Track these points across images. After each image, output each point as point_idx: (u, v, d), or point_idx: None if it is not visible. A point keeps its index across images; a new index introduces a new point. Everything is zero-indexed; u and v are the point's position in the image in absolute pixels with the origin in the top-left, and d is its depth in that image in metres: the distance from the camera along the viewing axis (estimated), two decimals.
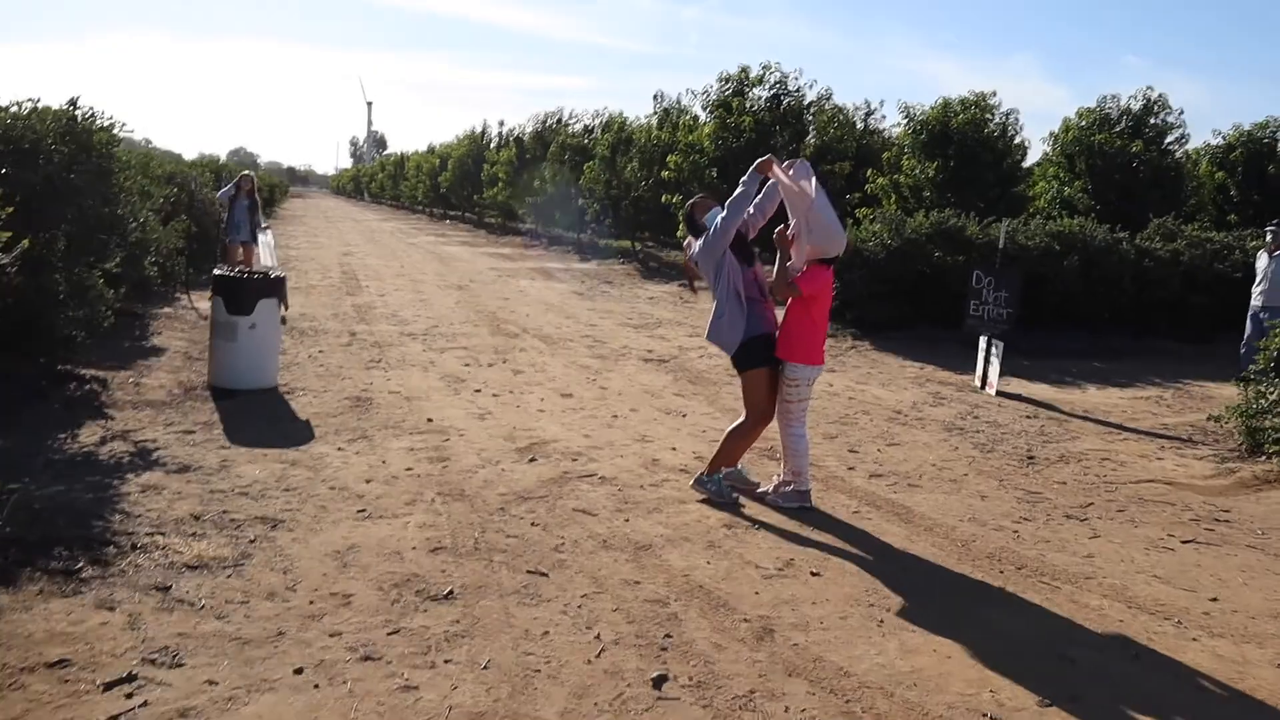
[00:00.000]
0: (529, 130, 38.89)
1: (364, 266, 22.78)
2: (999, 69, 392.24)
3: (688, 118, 22.19)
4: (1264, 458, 8.00)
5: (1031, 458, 8.12)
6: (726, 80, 21.79)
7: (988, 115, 21.52)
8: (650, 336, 14.02)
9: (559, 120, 37.21)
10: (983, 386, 11.10)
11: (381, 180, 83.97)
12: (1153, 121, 21.56)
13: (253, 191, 16.33)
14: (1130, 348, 14.98)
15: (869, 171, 22.49)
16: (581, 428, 8.34)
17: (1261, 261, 12.37)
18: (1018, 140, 22.09)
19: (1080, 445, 8.68)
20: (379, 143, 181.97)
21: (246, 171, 17.74)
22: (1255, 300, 12.19)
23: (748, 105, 21.33)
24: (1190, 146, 22.53)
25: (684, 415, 9.07)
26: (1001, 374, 10.88)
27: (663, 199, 22.54)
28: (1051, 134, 22.51)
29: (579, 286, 20.87)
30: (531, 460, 7.26)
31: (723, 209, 6.32)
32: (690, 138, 21.65)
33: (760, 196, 6.48)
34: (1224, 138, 24.55)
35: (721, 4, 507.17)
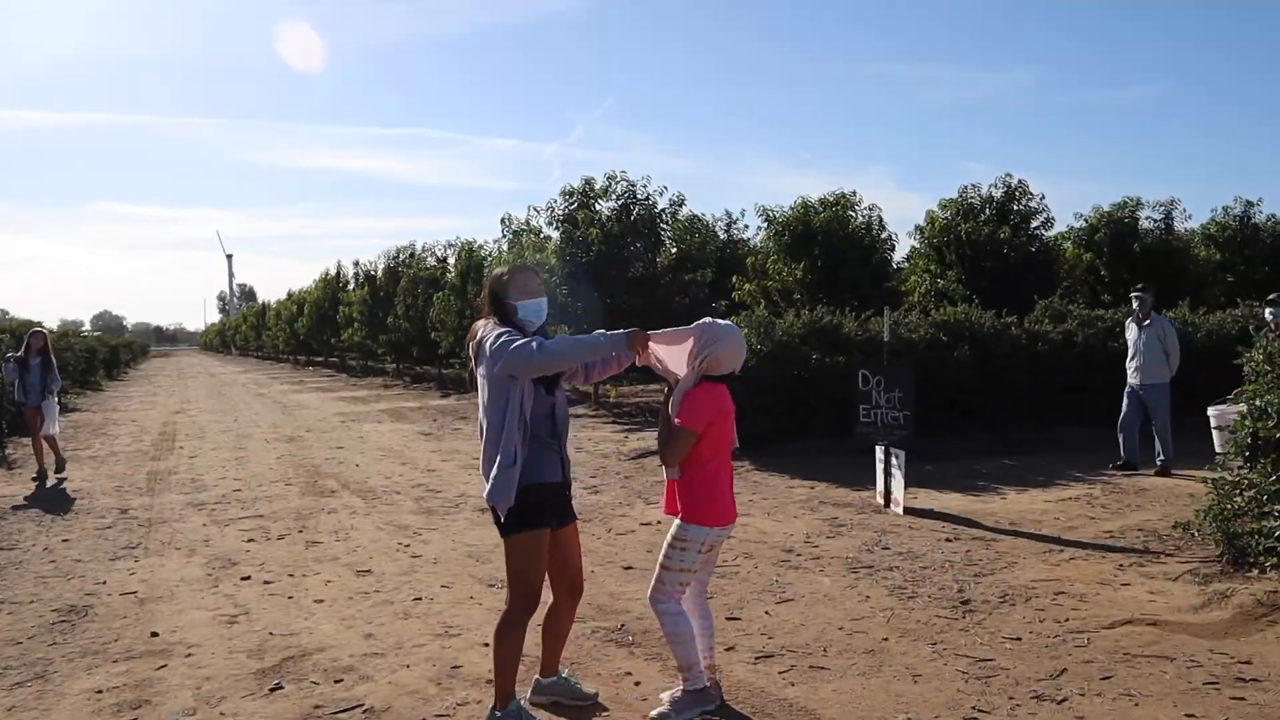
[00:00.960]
0: (381, 266, 36.91)
1: (191, 425, 20.21)
2: (856, 181, 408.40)
3: (535, 238, 20.49)
4: (1254, 571, 6.26)
5: (966, 601, 6.21)
6: (570, 194, 20.23)
7: (849, 213, 20.45)
8: None
9: (411, 254, 35.36)
10: (886, 504, 9.27)
11: (245, 332, 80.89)
12: (1015, 208, 20.82)
13: (45, 349, 13.87)
14: (1034, 439, 13.44)
15: (734, 279, 21.12)
16: (367, 622, 6.15)
17: (1131, 334, 11.46)
18: (884, 235, 21.03)
19: (1021, 574, 6.82)
20: (248, 295, 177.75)
21: (37, 328, 15.25)
22: (1132, 378, 11.27)
23: (595, 217, 19.74)
24: (1053, 231, 21.84)
25: None
26: (906, 486, 9.07)
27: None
28: (918, 227, 21.63)
29: (430, 426, 18.68)
30: (275, 689, 5.04)
31: (543, 312, 4.45)
32: (537, 257, 19.91)
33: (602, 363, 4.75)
34: (1085, 220, 24.02)
35: (580, 139, 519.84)
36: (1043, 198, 20.71)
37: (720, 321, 4.45)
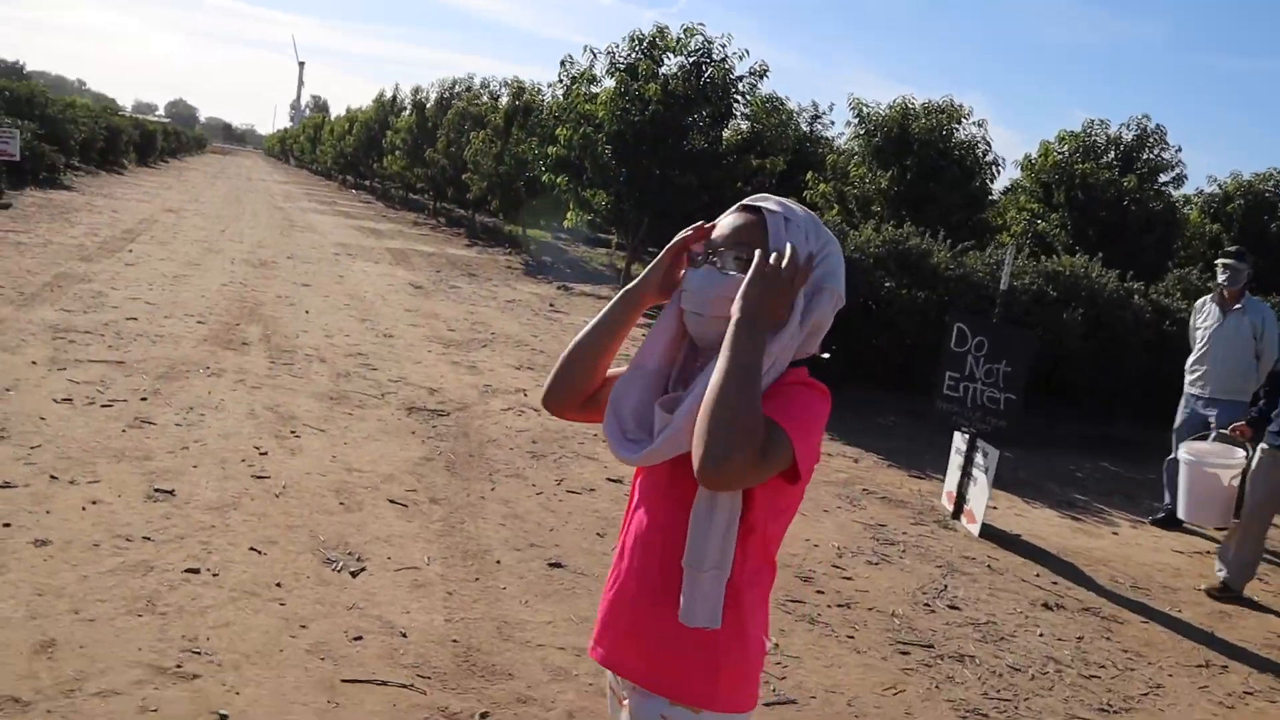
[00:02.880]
0: (433, 96, 33.85)
1: (168, 227, 17.77)
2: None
3: (588, 88, 17.43)
4: None
5: None
6: (638, 41, 17.04)
7: (954, 125, 17.23)
8: (456, 364, 9.30)
9: (468, 88, 32.25)
10: (956, 514, 6.57)
11: (302, 143, 78.36)
12: (1146, 156, 17.54)
13: None
14: (1145, 441, 10.58)
15: (809, 175, 18.08)
16: (61, 607, 3.61)
17: (1207, 318, 7.40)
18: (989, 158, 17.80)
19: (1176, 715, 4.14)
20: (321, 108, 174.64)
21: None
22: (1195, 386, 7.31)
23: (658, 72, 16.63)
24: (1180, 191, 18.54)
25: (366, 562, 4.41)
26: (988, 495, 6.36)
27: (544, 178, 17.80)
28: (1026, 157, 18.38)
29: (427, 277, 16.07)
30: None
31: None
32: (587, 108, 16.91)
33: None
34: (1220, 186, 20.47)
35: (681, 10, 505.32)
36: (1179, 150, 17.37)
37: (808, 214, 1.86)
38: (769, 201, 1.79)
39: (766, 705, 3.69)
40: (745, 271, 1.71)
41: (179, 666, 3.34)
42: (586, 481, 6.24)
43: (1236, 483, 6.05)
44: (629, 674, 1.83)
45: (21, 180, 20.10)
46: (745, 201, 1.82)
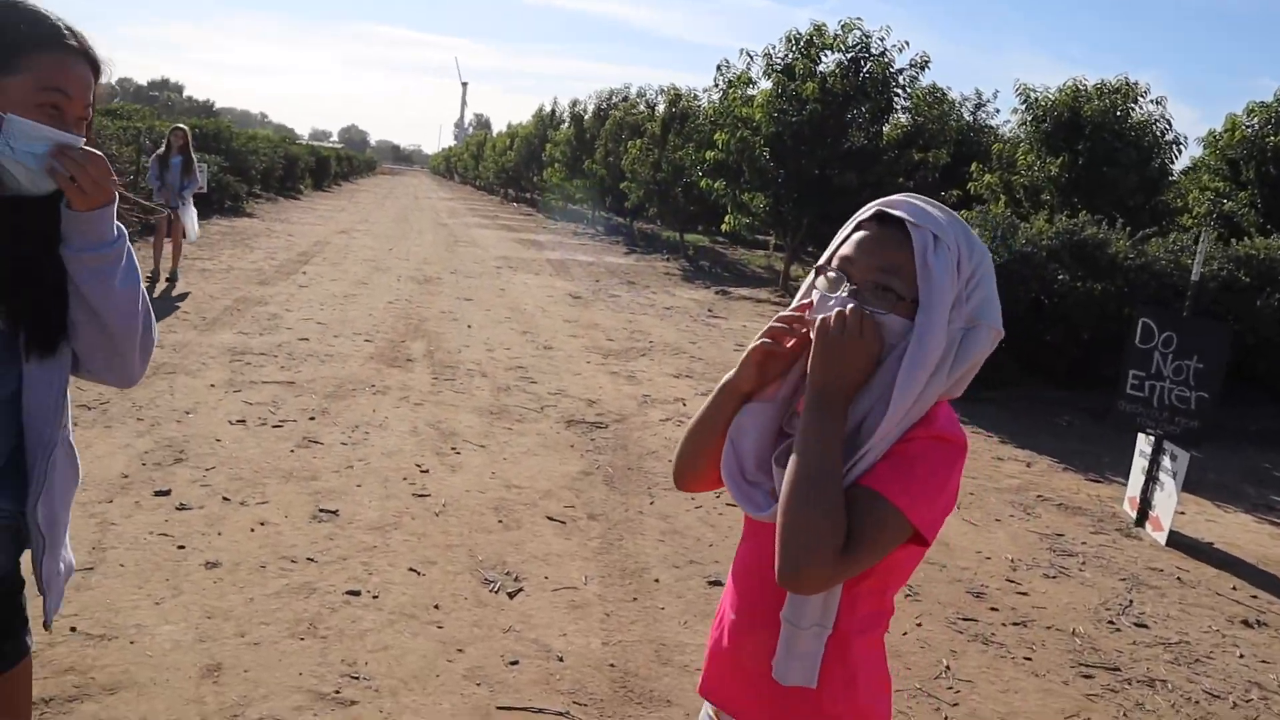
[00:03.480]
0: (590, 107, 34.27)
1: (340, 248, 18.48)
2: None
3: (745, 89, 17.27)
4: None
5: None
6: (794, 41, 16.75)
7: (1131, 105, 16.26)
8: (615, 374, 9.29)
9: (624, 98, 32.52)
10: (1140, 521, 6.14)
11: (465, 160, 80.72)
12: None
13: (185, 147, 12.33)
14: None
15: (973, 166, 17.44)
16: (208, 633, 3.69)
17: None
18: (1168, 137, 16.72)
19: None
20: (483, 126, 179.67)
21: (179, 125, 13.58)
22: None
23: (816, 71, 16.30)
24: None
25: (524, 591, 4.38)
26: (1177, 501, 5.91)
27: (702, 184, 17.70)
28: (1210, 133, 17.22)
29: (587, 287, 16.20)
30: None
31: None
32: (744, 111, 16.75)
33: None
34: None
35: (833, 8, 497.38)
36: None
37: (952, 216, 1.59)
38: (907, 210, 1.53)
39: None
40: (890, 309, 1.51)
41: (338, 692, 3.36)
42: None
43: None
44: (739, 716, 1.68)
45: (209, 210, 21.23)
46: (881, 208, 1.57)
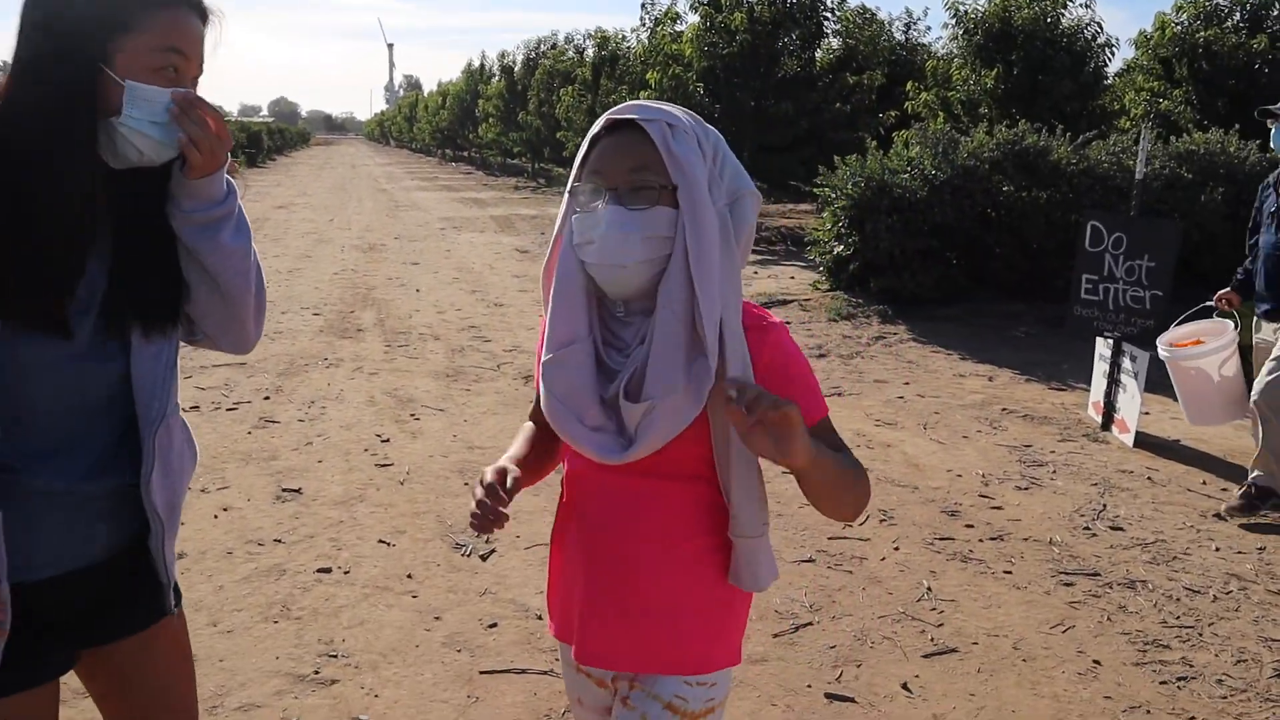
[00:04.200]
0: (520, 59, 33.76)
1: (281, 224, 18.12)
2: None
3: (672, 27, 17.07)
4: None
5: None
6: None
7: (1061, 10, 16.24)
8: None
9: (553, 45, 32.02)
10: (1106, 425, 6.18)
11: (399, 123, 79.48)
12: (1275, 12, 16.34)
13: None
14: None
15: (909, 85, 17.35)
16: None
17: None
18: (1099, 40, 16.74)
19: None
20: (414, 87, 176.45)
21: None
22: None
23: (743, 1, 16.09)
24: None
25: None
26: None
27: None
28: (1141, 33, 17.30)
29: (533, 241, 16.02)
30: None
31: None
32: (673, 48, 16.53)
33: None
34: None
35: None
36: None
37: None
38: (636, 111, 1.50)
39: (925, 657, 3.46)
40: (654, 203, 1.47)
41: (317, 672, 3.29)
42: None
43: (1234, 368, 5.14)
44: (628, 666, 1.65)
45: None
46: (611, 117, 1.52)
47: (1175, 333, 5.57)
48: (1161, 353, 5.45)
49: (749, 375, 1.48)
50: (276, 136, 58.93)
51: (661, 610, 1.61)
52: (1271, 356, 4.69)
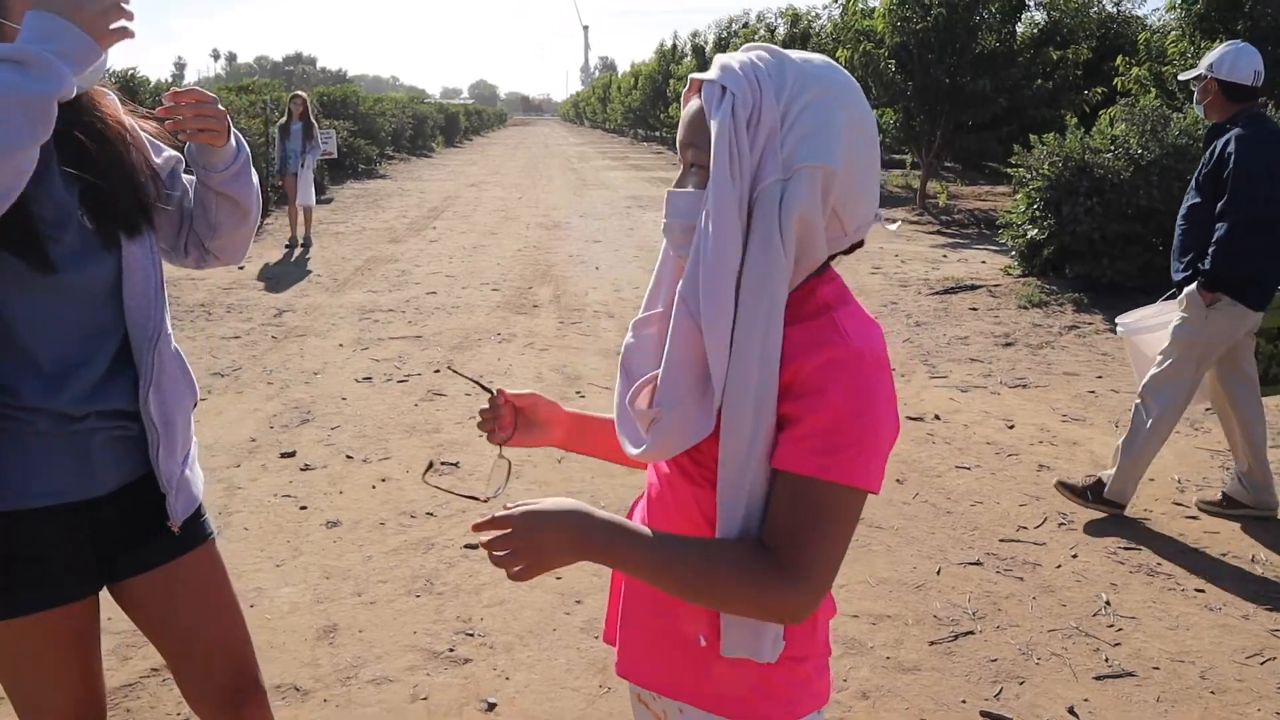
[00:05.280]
0: (711, 38, 33.60)
1: (471, 201, 18.61)
2: None
3: (865, 3, 16.57)
4: None
5: None
6: None
7: None
8: None
9: (744, 24, 31.72)
10: None
11: (592, 104, 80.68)
12: None
13: (305, 115, 12.54)
14: None
15: (1119, 60, 16.28)
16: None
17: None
18: None
19: None
20: (609, 68, 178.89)
21: (298, 93, 13.79)
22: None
23: None
24: None
25: None
26: None
27: None
28: None
29: None
30: None
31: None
32: (865, 24, 16.03)
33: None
34: None
35: None
36: None
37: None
38: (715, 66, 1.23)
39: (1098, 679, 3.15)
40: (694, 185, 1.26)
41: (451, 650, 3.26)
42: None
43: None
44: (668, 691, 1.41)
45: (341, 175, 21.66)
46: (691, 77, 1.28)
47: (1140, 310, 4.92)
48: (1119, 327, 4.86)
49: (766, 399, 1.19)
50: (474, 118, 60.79)
51: (689, 638, 1.36)
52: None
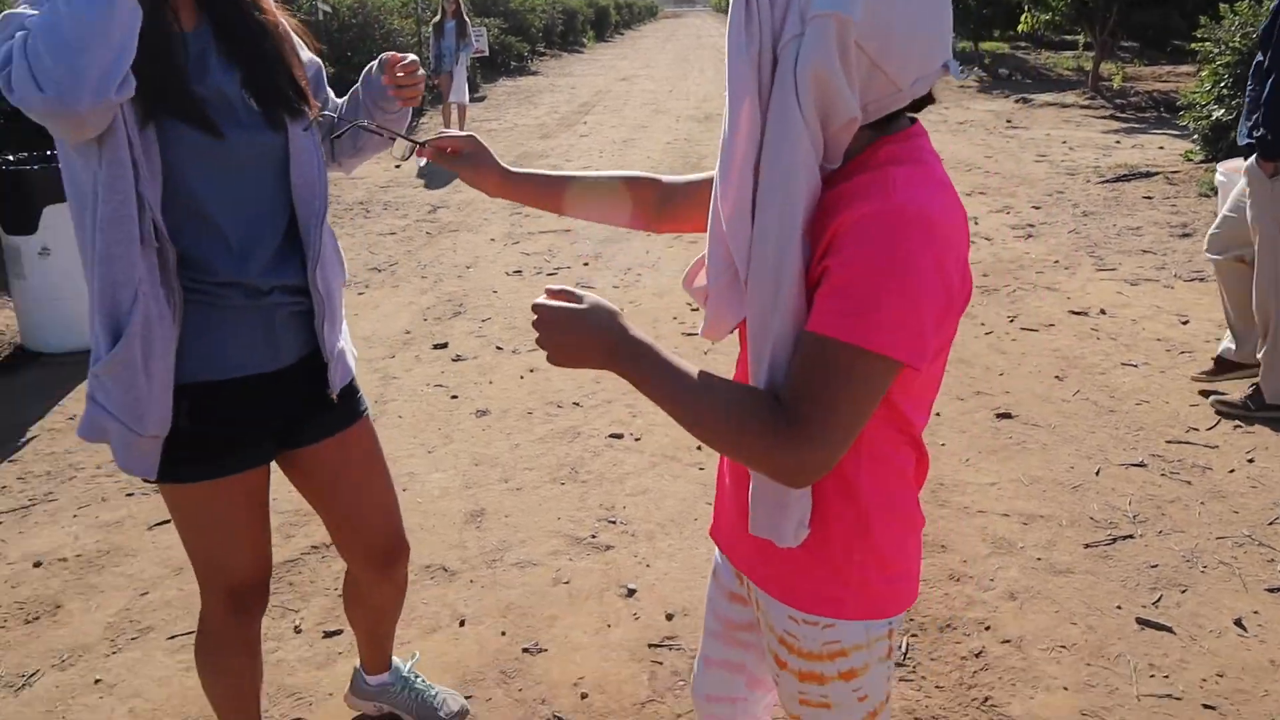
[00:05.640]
0: None
1: (621, 95, 18.45)
2: None
3: None
4: None
5: None
6: None
7: None
8: None
9: None
10: None
11: None
12: None
13: (459, 12, 12.57)
14: None
15: None
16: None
17: None
18: None
19: None
20: None
21: None
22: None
23: None
24: None
25: None
26: None
27: None
28: None
29: None
30: None
31: None
32: None
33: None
34: None
35: None
36: None
37: None
38: None
39: (1271, 591, 2.97)
40: None
41: (594, 537, 3.30)
42: (1045, 316, 5.52)
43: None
44: (745, 568, 1.41)
45: (494, 73, 21.75)
46: None
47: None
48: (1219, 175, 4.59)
49: (786, 272, 1.13)
50: (624, 11, 59.90)
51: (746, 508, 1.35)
52: None
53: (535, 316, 1.22)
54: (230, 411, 1.81)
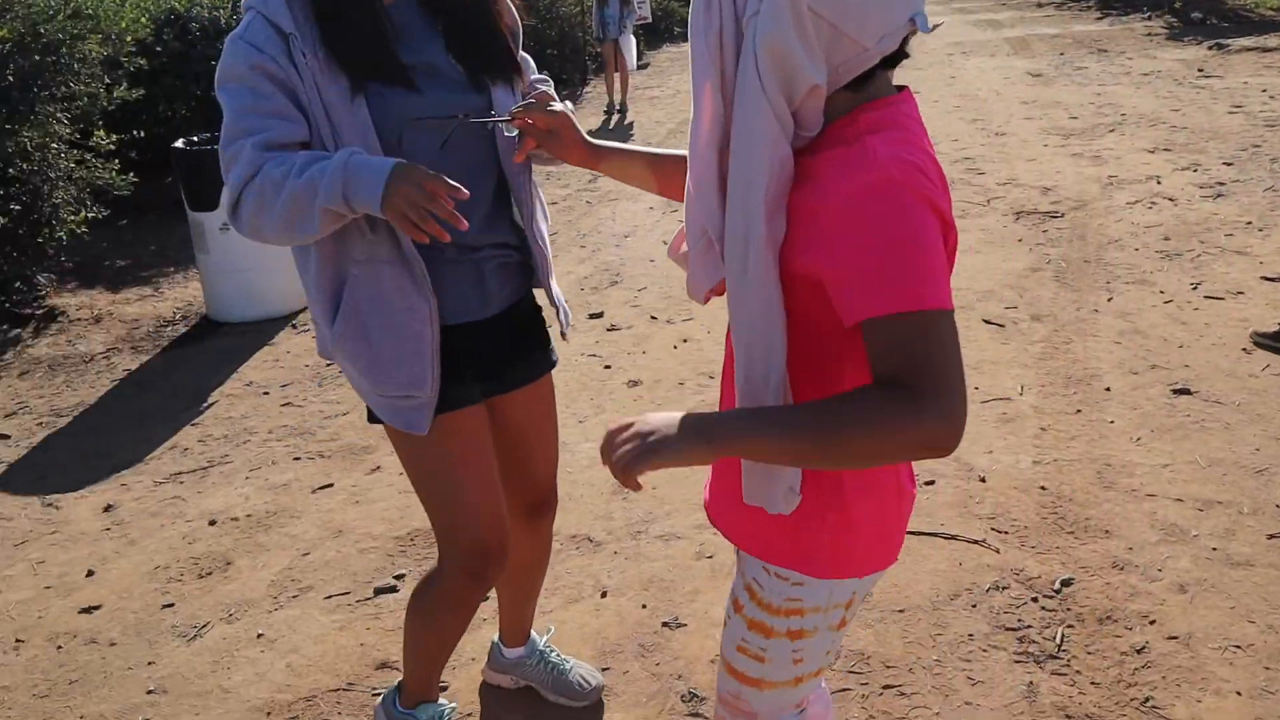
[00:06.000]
0: None
1: None
2: None
3: None
4: None
5: None
6: None
7: None
8: (1077, 155, 8.22)
9: None
10: None
11: None
12: None
13: None
14: None
15: None
16: None
17: None
18: None
19: None
20: None
21: None
22: None
23: None
24: None
25: None
26: None
27: None
28: None
29: (1049, 63, 14.61)
30: None
31: None
32: None
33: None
34: None
35: None
36: None
37: None
38: None
39: None
40: None
41: None
42: (1233, 283, 5.16)
43: None
44: (731, 534, 1.49)
45: (657, 39, 21.71)
46: None
47: None
48: None
49: (755, 243, 1.20)
50: None
51: (734, 475, 1.41)
52: None
53: (609, 441, 1.21)
54: (458, 351, 1.89)
